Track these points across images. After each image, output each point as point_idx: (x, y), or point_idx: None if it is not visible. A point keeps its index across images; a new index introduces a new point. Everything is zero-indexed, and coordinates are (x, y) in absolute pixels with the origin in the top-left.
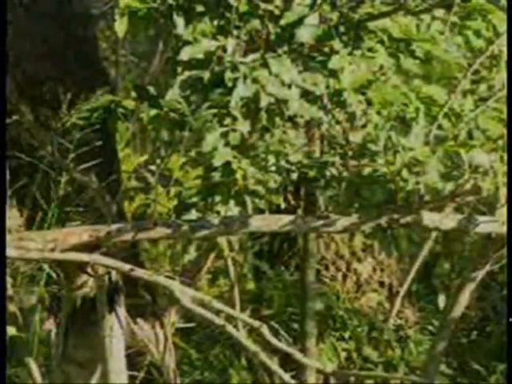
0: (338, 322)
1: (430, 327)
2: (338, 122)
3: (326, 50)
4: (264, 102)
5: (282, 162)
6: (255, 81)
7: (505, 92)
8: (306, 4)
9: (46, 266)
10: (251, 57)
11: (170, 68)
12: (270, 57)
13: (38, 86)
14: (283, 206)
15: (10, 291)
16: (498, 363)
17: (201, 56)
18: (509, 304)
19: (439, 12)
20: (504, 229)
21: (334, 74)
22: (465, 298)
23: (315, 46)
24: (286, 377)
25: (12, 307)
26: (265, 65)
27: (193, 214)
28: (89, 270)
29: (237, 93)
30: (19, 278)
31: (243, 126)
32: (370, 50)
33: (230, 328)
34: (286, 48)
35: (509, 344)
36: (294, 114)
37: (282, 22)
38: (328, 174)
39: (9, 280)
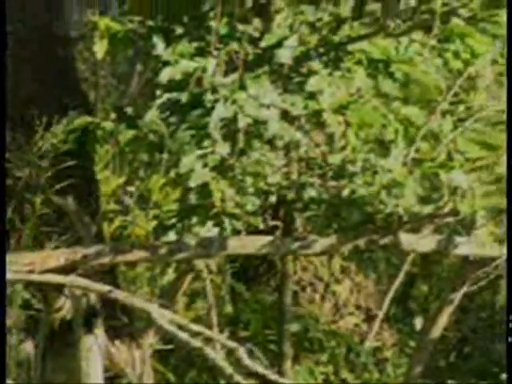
0: (316, 344)
1: (408, 349)
2: (316, 144)
3: (305, 71)
4: (242, 123)
5: (261, 184)
6: (234, 102)
7: (483, 113)
8: (285, 25)
9: (21, 288)
10: (230, 78)
11: (148, 89)
12: (249, 78)
13: (17, 106)
14: (261, 227)
15: None
16: None
17: (180, 77)
18: (509, 305)
19: (418, 34)
20: (482, 250)
21: (312, 95)
22: (443, 319)
23: (294, 68)
24: None
25: None
26: (243, 86)
27: (171, 236)
28: (66, 292)
29: (216, 114)
30: None
31: (222, 148)
32: (349, 71)
33: (207, 350)
34: (264, 69)
35: (508, 347)
36: (272, 135)
37: (262, 43)
38: (306, 195)
39: None
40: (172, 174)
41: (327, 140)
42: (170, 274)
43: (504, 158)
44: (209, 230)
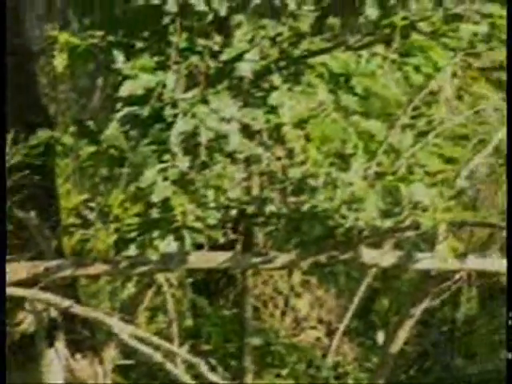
0: (277, 358)
1: (369, 364)
2: (277, 158)
3: (266, 85)
4: (203, 137)
5: (221, 198)
6: (195, 116)
7: (444, 127)
8: (246, 39)
9: None
10: (191, 92)
11: (109, 104)
12: (210, 92)
13: None
14: (222, 241)
15: None
16: None
17: (140, 92)
18: (509, 306)
19: (379, 48)
20: (443, 265)
21: (273, 109)
22: (403, 333)
23: (255, 82)
24: None
25: None
26: (204, 100)
27: (132, 250)
28: (28, 305)
29: (176, 128)
30: None
31: (182, 162)
32: (309, 85)
33: (168, 364)
34: (225, 83)
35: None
36: (233, 149)
37: (223, 57)
38: (267, 209)
39: None
40: (133, 188)
41: (288, 154)
42: (131, 288)
43: (464, 172)
44: (169, 244)
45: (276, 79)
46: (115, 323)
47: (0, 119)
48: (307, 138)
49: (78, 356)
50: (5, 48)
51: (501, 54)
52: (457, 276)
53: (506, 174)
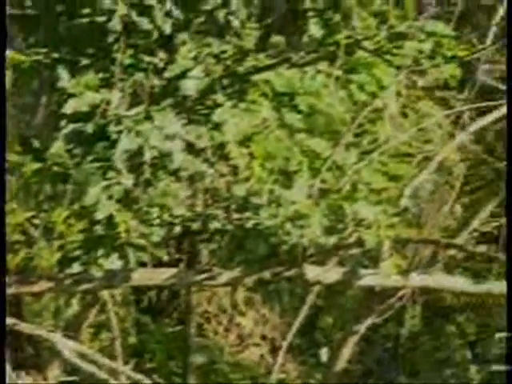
0: (220, 376)
1: (313, 381)
2: (221, 175)
3: (210, 103)
4: (148, 154)
5: (166, 216)
6: (139, 134)
7: (388, 145)
8: (190, 57)
9: None
10: (135, 110)
11: (53, 121)
12: (154, 110)
13: None
14: (166, 259)
15: None
16: None
17: (85, 109)
18: (509, 307)
19: (323, 65)
20: (387, 281)
21: (217, 126)
22: (347, 351)
23: (199, 99)
24: None
25: None
26: (148, 118)
27: (76, 268)
28: None
29: (120, 146)
30: None
31: (127, 180)
32: (253, 103)
33: (112, 382)
34: (169, 101)
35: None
36: (177, 167)
37: (167, 74)
38: (211, 227)
39: None
40: (77, 205)
41: (232, 171)
42: (75, 306)
43: (408, 190)
44: (113, 262)
45: (220, 97)
46: (59, 340)
47: (0, 120)
48: (251, 156)
49: (22, 373)
50: (5, 48)
51: (445, 72)
52: (401, 293)
53: (506, 173)
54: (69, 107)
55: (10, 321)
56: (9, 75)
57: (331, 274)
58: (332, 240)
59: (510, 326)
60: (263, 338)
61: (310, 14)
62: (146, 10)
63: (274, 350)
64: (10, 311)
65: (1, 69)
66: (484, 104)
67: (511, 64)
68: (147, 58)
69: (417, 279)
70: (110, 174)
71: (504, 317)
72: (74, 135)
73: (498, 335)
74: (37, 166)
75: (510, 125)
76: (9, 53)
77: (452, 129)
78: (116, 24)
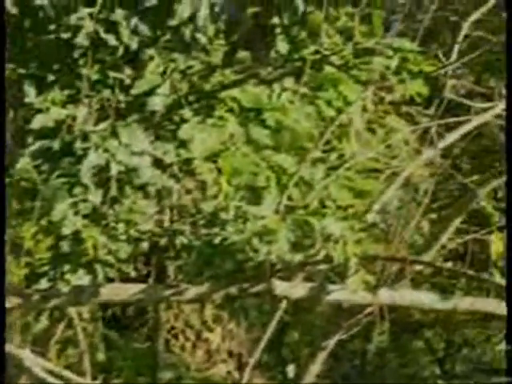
0: None
1: None
2: (188, 191)
3: (177, 119)
4: (114, 170)
5: (133, 231)
6: (106, 150)
7: (355, 160)
8: (157, 73)
9: None
10: (102, 126)
11: (20, 137)
12: (121, 126)
13: None
14: (133, 274)
15: None
16: None
17: (51, 125)
18: (509, 309)
19: (290, 81)
20: (355, 297)
21: (184, 143)
22: (315, 367)
23: (166, 115)
24: None
25: None
26: (115, 134)
27: (43, 283)
28: None
29: (87, 162)
30: None
31: (94, 196)
32: (220, 119)
33: None
34: (136, 117)
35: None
36: (144, 182)
37: (134, 90)
38: (178, 242)
39: None
40: (44, 221)
41: (199, 187)
42: (43, 322)
43: (375, 205)
44: (81, 278)
45: (187, 112)
46: (27, 356)
47: (0, 120)
48: (218, 171)
49: None
50: (4, 49)
51: (412, 88)
52: (368, 309)
53: (506, 174)
54: (36, 123)
55: None
56: None
57: (299, 289)
58: (299, 256)
59: (509, 338)
60: (230, 354)
61: (277, 30)
62: (112, 26)
63: (241, 367)
64: None
65: (1, 69)
66: (451, 120)
67: (511, 65)
68: (114, 74)
69: (384, 295)
70: (77, 189)
71: (472, 332)
72: (40, 151)
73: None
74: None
75: (509, 125)
76: None
77: (419, 145)
78: (83, 40)
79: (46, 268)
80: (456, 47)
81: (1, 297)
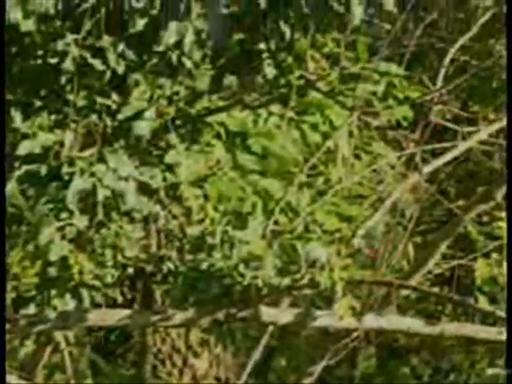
0: None
1: None
2: (174, 217)
3: (163, 144)
4: (100, 195)
5: (119, 257)
6: (92, 175)
7: (341, 186)
8: (143, 98)
9: None
10: (88, 151)
11: (7, 162)
12: (107, 151)
13: None
14: (120, 300)
15: None
16: None
17: (38, 150)
18: (509, 309)
19: (276, 107)
20: (341, 323)
21: (170, 168)
22: None
23: (152, 141)
24: None
25: None
26: (102, 159)
27: (31, 308)
28: None
29: (73, 187)
30: None
31: (80, 221)
32: (207, 144)
33: None
34: (122, 142)
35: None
36: (130, 208)
37: (120, 116)
38: (165, 268)
39: None
40: (31, 246)
41: (186, 212)
42: (30, 346)
43: (361, 231)
44: (68, 303)
45: (173, 138)
46: (14, 381)
47: (0, 120)
48: (205, 197)
49: None
50: (4, 46)
51: (397, 113)
52: (355, 334)
53: (506, 174)
54: (22, 149)
55: None
56: None
57: (285, 315)
58: (286, 281)
59: (508, 363)
60: (217, 379)
61: (264, 55)
62: (99, 52)
63: None
64: None
65: (1, 67)
66: (437, 146)
67: (511, 66)
68: (100, 100)
69: (371, 320)
70: (64, 215)
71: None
72: (27, 176)
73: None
74: None
75: (510, 126)
76: None
77: (405, 169)
78: (69, 65)
79: (32, 293)
80: (442, 72)
81: (1, 295)
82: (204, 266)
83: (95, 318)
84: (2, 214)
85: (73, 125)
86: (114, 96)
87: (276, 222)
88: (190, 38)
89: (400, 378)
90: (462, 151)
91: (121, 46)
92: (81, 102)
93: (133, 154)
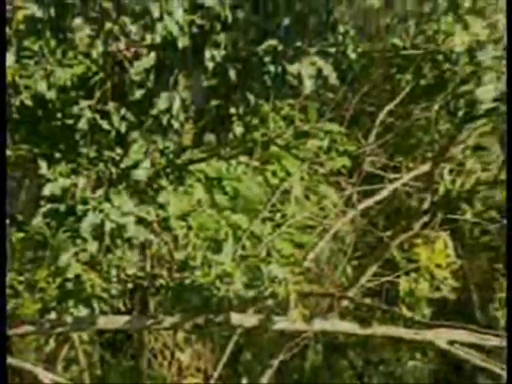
0: None
1: None
2: (165, 243)
3: (156, 186)
4: (108, 227)
5: (122, 275)
6: (101, 211)
7: (295, 219)
8: (140, 151)
9: None
10: (98, 192)
11: (34, 201)
12: (113, 192)
13: None
14: (122, 308)
15: None
16: None
17: (58, 192)
18: (509, 308)
19: (244, 158)
20: (294, 326)
21: (162, 205)
22: (264, 380)
23: (148, 184)
24: None
25: None
26: (108, 199)
27: (52, 315)
28: None
29: (86, 220)
30: None
31: (91, 247)
32: (190, 187)
33: None
34: (124, 185)
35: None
36: (130, 236)
37: (122, 165)
38: (157, 283)
39: None
40: (53, 267)
41: (173, 240)
42: (52, 344)
43: (309, 255)
44: (81, 311)
45: (164, 182)
46: (40, 372)
47: (0, 120)
48: (188, 228)
49: None
50: (5, 49)
51: (338, 163)
52: (305, 335)
53: (506, 174)
54: (46, 190)
55: None
56: None
57: (251, 319)
58: (251, 293)
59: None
60: (198, 369)
61: (234, 117)
62: (106, 115)
63: (207, 379)
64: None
65: (1, 70)
66: (369, 188)
67: (511, 65)
68: (107, 152)
69: (317, 324)
70: (79, 242)
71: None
72: (50, 212)
73: None
74: (21, 235)
75: (510, 126)
76: None
77: (344, 207)
78: (83, 125)
79: (54, 303)
80: (373, 131)
81: (1, 296)
82: (188, 281)
83: (103, 322)
84: (2, 218)
85: (85, 172)
86: (118, 149)
87: (244, 248)
88: (177, 105)
89: (340, 368)
90: (389, 192)
91: (123, 111)
92: (92, 154)
93: (132, 194)
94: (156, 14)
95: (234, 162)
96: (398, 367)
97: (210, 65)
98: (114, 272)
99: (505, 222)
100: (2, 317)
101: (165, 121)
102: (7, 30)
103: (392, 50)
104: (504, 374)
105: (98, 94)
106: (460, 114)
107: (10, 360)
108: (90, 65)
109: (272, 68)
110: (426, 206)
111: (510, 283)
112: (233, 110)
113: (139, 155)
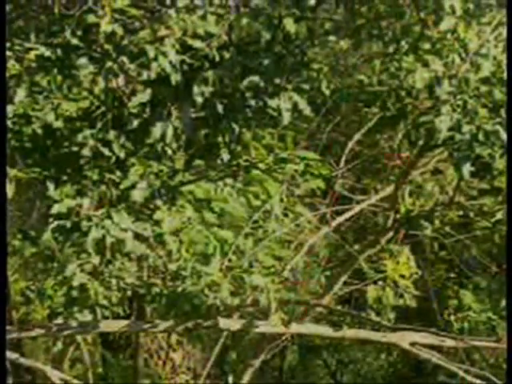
0: None
1: None
2: (159, 256)
3: (152, 206)
4: (109, 241)
5: (121, 284)
6: (103, 227)
7: (274, 235)
8: (137, 174)
9: None
10: (100, 211)
11: (44, 219)
12: (113, 211)
13: None
14: (122, 313)
15: None
16: None
17: (65, 210)
18: (508, 307)
19: (230, 181)
20: (274, 329)
21: (157, 222)
22: (247, 377)
23: (144, 204)
24: None
25: None
26: (109, 216)
27: (60, 320)
28: None
29: (90, 236)
30: None
31: (95, 259)
32: (182, 206)
33: None
34: (123, 205)
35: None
36: (129, 250)
37: (122, 186)
38: (153, 291)
39: None
40: (60, 277)
41: (167, 253)
42: (59, 346)
43: (287, 266)
44: (85, 316)
45: (158, 202)
46: (49, 370)
47: (0, 120)
48: (180, 242)
49: None
50: (5, 48)
51: (313, 185)
52: (284, 337)
53: (506, 174)
54: (54, 209)
55: (13, 356)
56: (11, 188)
57: (236, 324)
58: (236, 301)
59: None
60: (188, 368)
61: (221, 145)
62: (107, 143)
63: (196, 377)
64: (14, 350)
65: (1, 70)
66: (340, 207)
67: (511, 65)
68: (108, 176)
69: (295, 327)
70: (83, 255)
71: (354, 353)
72: (58, 228)
73: None
74: (33, 249)
75: (510, 126)
76: (12, 171)
77: (318, 224)
78: (87, 152)
79: (61, 309)
80: (343, 157)
81: (1, 296)
82: (180, 290)
83: (105, 326)
84: (2, 220)
85: (89, 193)
86: (118, 173)
87: (230, 260)
88: (170, 133)
89: (314, 367)
90: (357, 211)
91: (122, 139)
92: (94, 177)
93: (131, 212)
94: (151, 54)
95: (220, 184)
96: (365, 366)
97: (199, 99)
98: (114, 281)
99: (460, 237)
100: (2, 317)
101: (159, 148)
102: (19, 67)
103: (359, 85)
104: (460, 372)
105: (99, 125)
106: (420, 142)
107: (22, 360)
108: (92, 99)
109: (254, 102)
110: (390, 223)
111: (510, 286)
112: (219, 139)
113: (137, 178)
